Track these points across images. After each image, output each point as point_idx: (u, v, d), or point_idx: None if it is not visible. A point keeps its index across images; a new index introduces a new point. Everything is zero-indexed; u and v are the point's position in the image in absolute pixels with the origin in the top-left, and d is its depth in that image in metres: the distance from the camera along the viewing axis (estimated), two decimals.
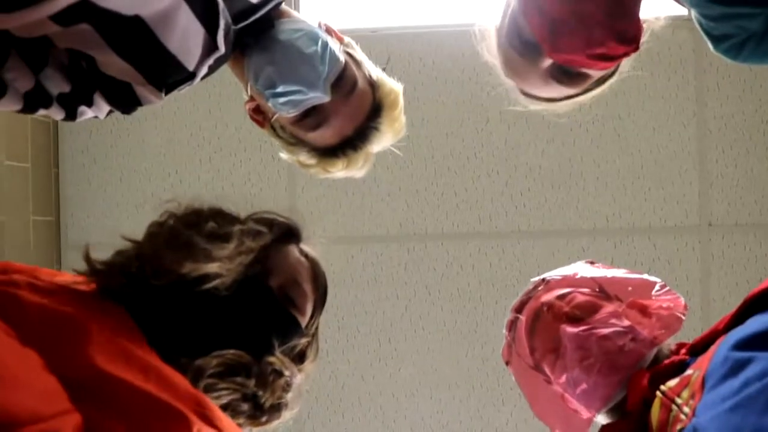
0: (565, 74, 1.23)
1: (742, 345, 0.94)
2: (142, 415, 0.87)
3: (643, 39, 1.24)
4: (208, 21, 1.20)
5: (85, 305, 0.97)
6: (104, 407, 0.85)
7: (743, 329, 0.99)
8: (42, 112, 1.20)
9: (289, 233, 1.21)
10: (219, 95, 3.36)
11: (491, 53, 1.34)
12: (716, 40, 1.31)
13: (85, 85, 1.19)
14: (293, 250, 1.20)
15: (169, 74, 1.20)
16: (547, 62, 1.21)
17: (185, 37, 1.17)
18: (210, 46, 1.22)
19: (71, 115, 1.23)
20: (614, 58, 1.20)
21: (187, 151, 3.45)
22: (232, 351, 1.03)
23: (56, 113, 1.22)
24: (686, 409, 0.97)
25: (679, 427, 0.96)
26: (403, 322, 3.38)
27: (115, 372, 0.87)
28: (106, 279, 1.06)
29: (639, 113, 3.29)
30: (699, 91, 3.26)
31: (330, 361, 3.35)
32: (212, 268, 1.05)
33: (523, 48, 1.23)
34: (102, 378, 0.87)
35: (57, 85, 1.17)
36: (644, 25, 1.23)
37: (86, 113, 1.24)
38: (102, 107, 1.24)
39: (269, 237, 1.15)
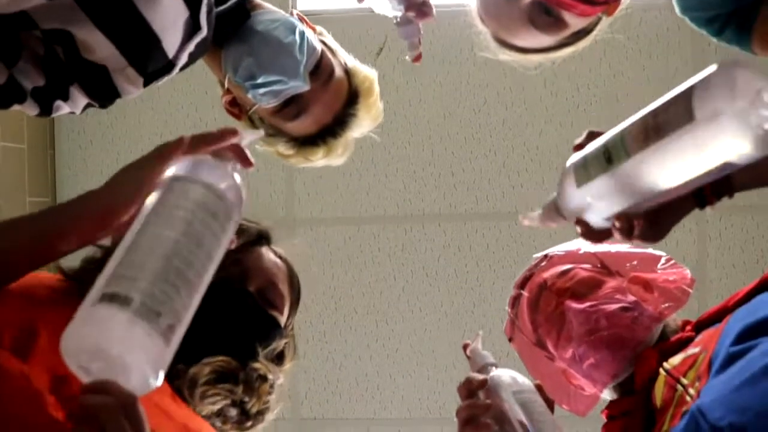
0: (544, 15, 1.20)
1: (749, 331, 0.93)
2: None
3: (621, 7, 1.23)
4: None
5: None
6: None
7: (751, 313, 0.98)
8: (16, 107, 1.17)
9: (259, 237, 1.22)
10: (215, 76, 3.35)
11: None
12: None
13: (61, 77, 1.16)
14: (267, 253, 1.21)
15: (150, 58, 1.18)
16: (526, 1, 1.19)
17: (167, 15, 1.15)
18: (191, 29, 1.21)
19: (46, 111, 1.20)
20: (593, 3, 1.18)
21: (182, 131, 3.39)
22: (221, 357, 1.03)
23: (31, 108, 1.19)
24: (692, 391, 0.97)
25: (685, 408, 0.96)
26: (400, 303, 3.38)
27: None
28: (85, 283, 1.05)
29: (636, 94, 3.27)
30: (697, 73, 3.25)
31: (327, 342, 3.36)
32: None
33: None
34: None
35: (31, 79, 1.14)
36: None
37: (62, 108, 1.22)
38: (78, 101, 1.22)
39: (240, 241, 1.15)
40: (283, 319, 1.18)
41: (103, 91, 1.20)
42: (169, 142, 0.88)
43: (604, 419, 1.20)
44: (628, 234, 0.93)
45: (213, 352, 1.03)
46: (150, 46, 1.16)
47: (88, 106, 1.25)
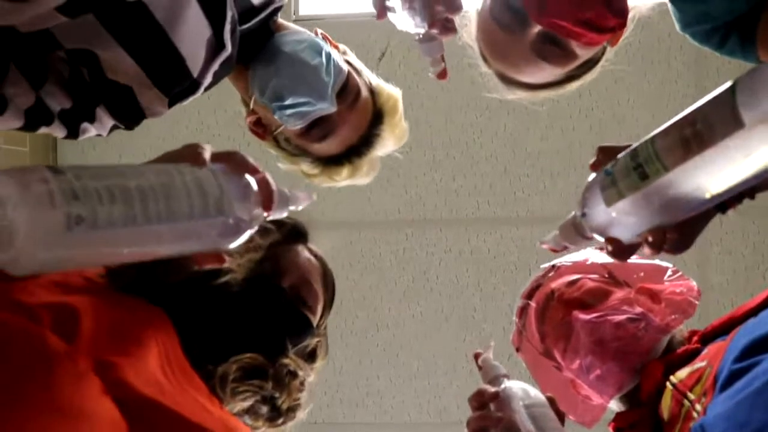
0: (550, 46, 1.19)
1: (753, 347, 0.93)
2: None
3: (629, 27, 1.22)
4: (215, 16, 1.17)
5: (138, 315, 0.96)
6: None
7: (757, 328, 0.97)
8: (44, 129, 1.17)
9: (296, 233, 1.22)
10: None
11: (471, 37, 1.32)
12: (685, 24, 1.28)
13: (87, 99, 1.16)
14: (303, 250, 1.21)
15: (174, 78, 1.17)
16: (532, 34, 1.17)
17: (191, 34, 1.14)
18: (214, 48, 1.20)
19: (73, 133, 1.20)
20: (601, 30, 1.16)
21: (186, 135, 3.44)
22: (248, 354, 1.03)
23: (58, 131, 1.18)
24: (698, 407, 0.97)
25: (692, 425, 0.95)
26: (401, 308, 3.38)
27: (168, 404, 0.86)
28: (120, 277, 1.04)
29: (638, 99, 3.28)
30: (699, 77, 3.25)
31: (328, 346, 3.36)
32: None
33: (508, 18, 1.19)
34: (148, 406, 0.85)
35: (58, 101, 1.14)
36: (631, 12, 1.21)
37: (89, 130, 1.21)
38: (105, 123, 1.21)
39: (277, 235, 1.15)
40: (315, 318, 1.17)
41: (128, 112, 1.20)
42: (235, 154, 0.88)
43: (611, 431, 1.20)
44: (659, 247, 0.92)
45: (243, 348, 1.04)
46: (174, 66, 1.15)
47: (114, 128, 1.25)
